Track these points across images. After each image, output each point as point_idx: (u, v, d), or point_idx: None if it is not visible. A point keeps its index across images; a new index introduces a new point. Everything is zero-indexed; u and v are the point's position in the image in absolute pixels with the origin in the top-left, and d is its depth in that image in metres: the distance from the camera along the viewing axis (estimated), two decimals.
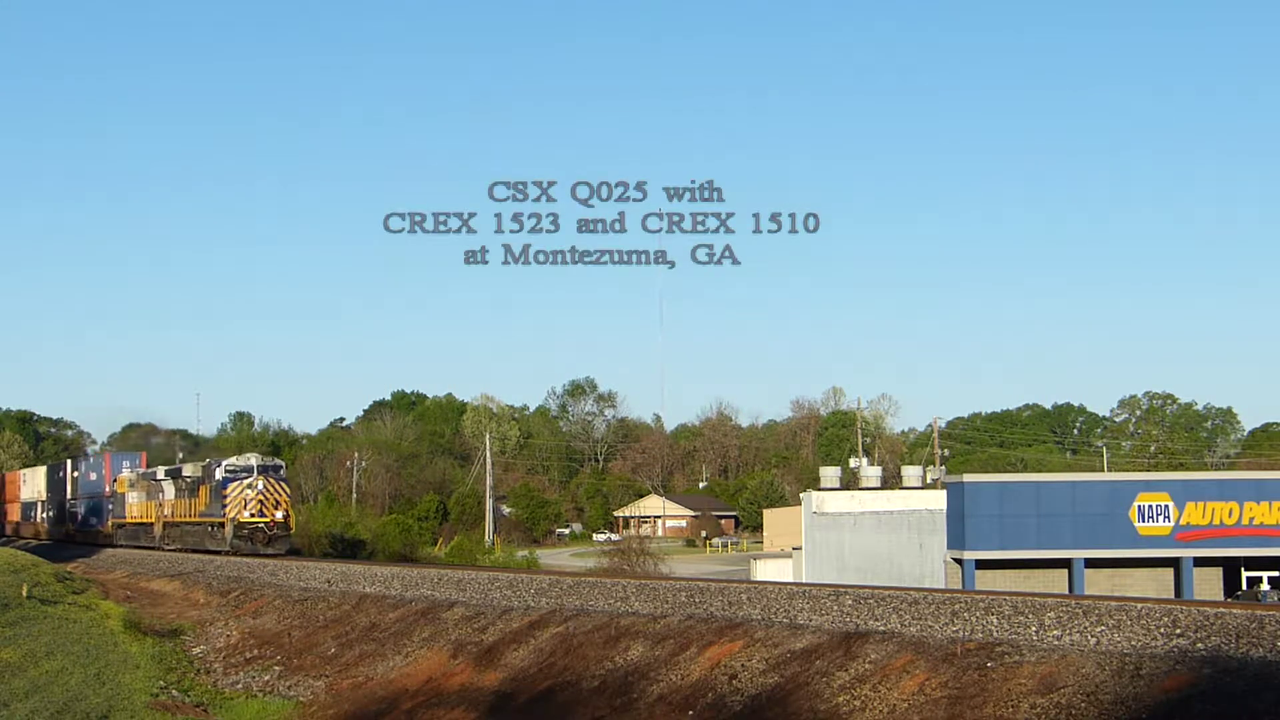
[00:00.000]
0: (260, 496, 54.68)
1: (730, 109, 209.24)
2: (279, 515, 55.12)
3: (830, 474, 65.71)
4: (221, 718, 31.20)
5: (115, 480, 73.69)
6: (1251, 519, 54.30)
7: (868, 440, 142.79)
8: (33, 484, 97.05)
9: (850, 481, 65.24)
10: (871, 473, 64.95)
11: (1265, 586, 54.10)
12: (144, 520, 67.59)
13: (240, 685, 34.73)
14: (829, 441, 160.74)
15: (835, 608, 24.71)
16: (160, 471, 66.22)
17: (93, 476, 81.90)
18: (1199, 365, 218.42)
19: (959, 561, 54.19)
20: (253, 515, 54.66)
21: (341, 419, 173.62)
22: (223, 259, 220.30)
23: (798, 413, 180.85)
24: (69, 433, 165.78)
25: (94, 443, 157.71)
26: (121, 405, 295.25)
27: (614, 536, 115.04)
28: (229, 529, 54.91)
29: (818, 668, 22.05)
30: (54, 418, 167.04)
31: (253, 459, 56.51)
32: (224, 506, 55.06)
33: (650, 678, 24.68)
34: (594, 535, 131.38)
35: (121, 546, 70.63)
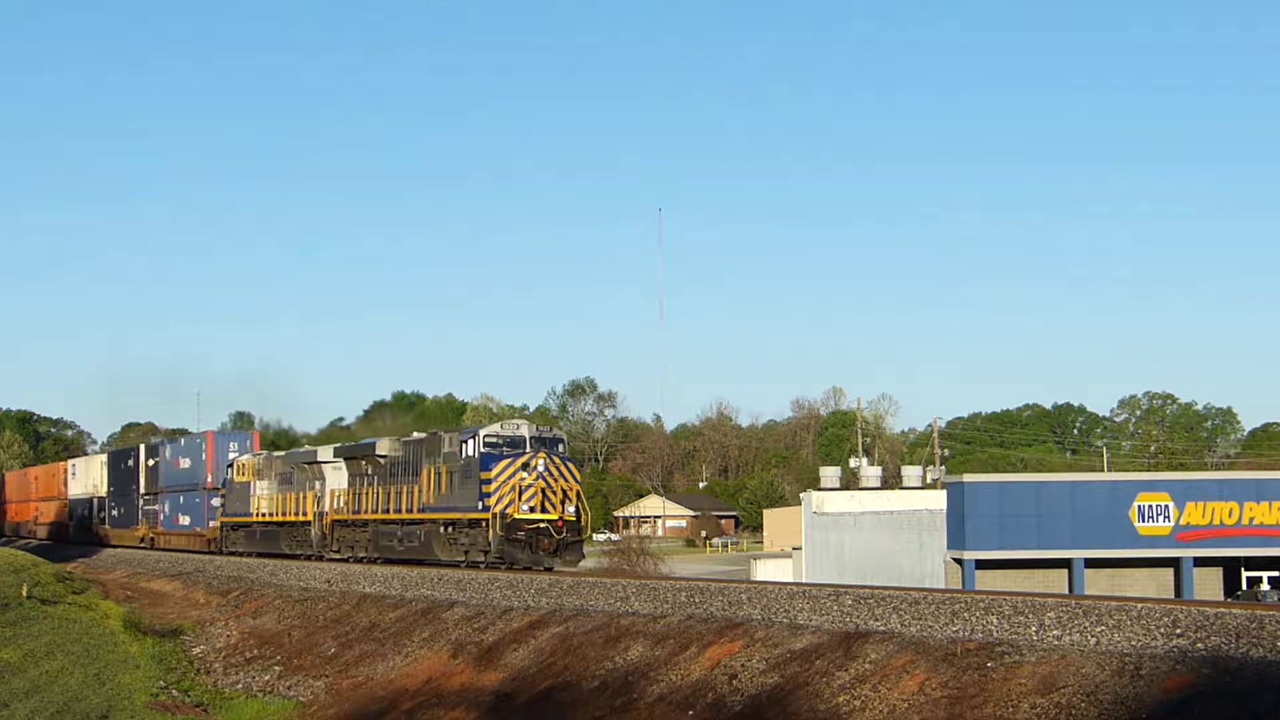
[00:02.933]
0: (543, 483, 38.08)
1: (731, 108, 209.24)
2: (569, 511, 38.44)
3: (830, 474, 65.75)
4: (221, 718, 31.21)
5: (230, 466, 56.88)
6: (1251, 519, 54.33)
7: (868, 440, 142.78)
8: (86, 477, 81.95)
9: (850, 481, 65.26)
10: (871, 473, 64.99)
11: (1265, 586, 54.12)
12: (284, 519, 51.51)
13: (240, 685, 34.73)
14: (829, 441, 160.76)
15: (835, 608, 24.71)
16: (325, 451, 49.66)
17: (183, 463, 65.60)
18: (1199, 365, 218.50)
19: (959, 561, 54.19)
20: (532, 509, 37.89)
21: (341, 419, 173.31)
22: (223, 259, 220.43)
23: (798, 413, 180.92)
24: (69, 433, 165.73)
25: (94, 443, 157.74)
26: (121, 405, 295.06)
27: (614, 536, 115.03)
28: (493, 529, 37.82)
29: (818, 668, 22.05)
30: (54, 418, 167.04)
31: (524, 427, 39.65)
32: (485, 496, 38.06)
33: (650, 678, 24.68)
34: (594, 535, 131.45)
35: (239, 554, 56.30)
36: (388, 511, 43.66)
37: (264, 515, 53.65)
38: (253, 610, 43.96)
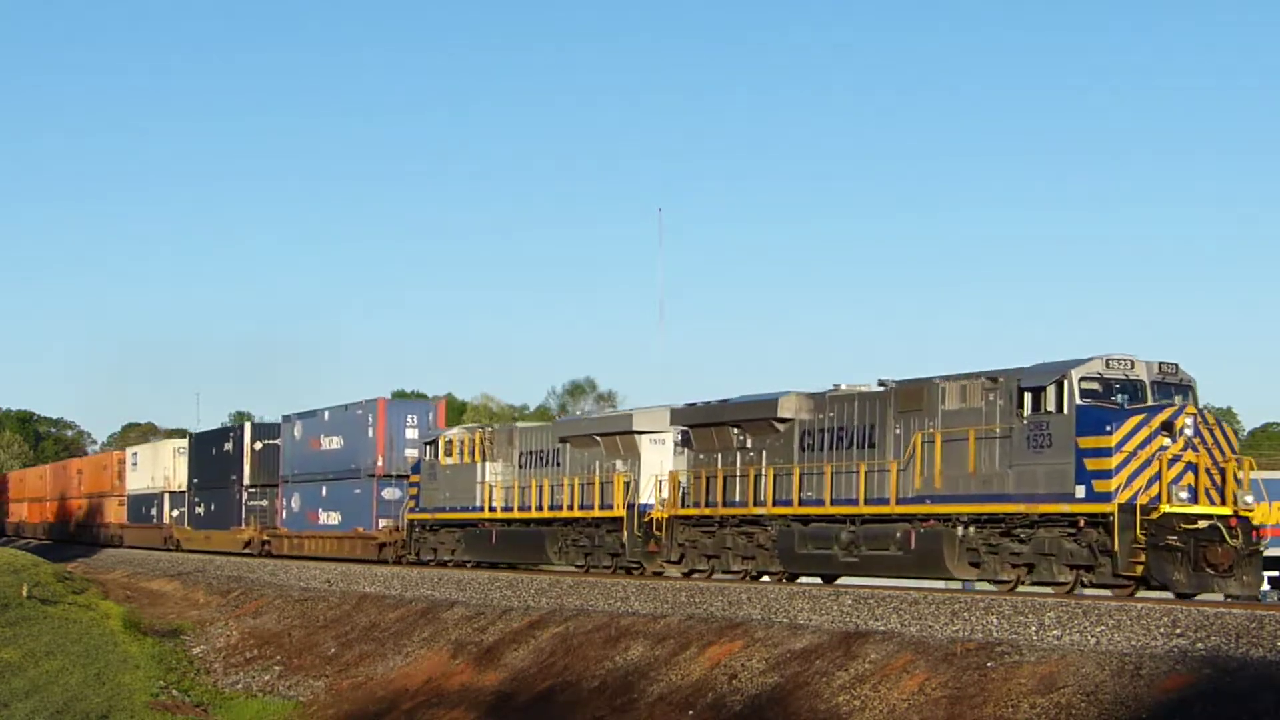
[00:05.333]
0: (1195, 455, 24.70)
1: (731, 109, 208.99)
2: (1246, 502, 24.74)
3: None
4: (221, 718, 31.24)
5: (430, 444, 42.76)
6: None
7: None
8: (153, 467, 68.09)
9: None
10: None
11: (1265, 586, 54.13)
12: (547, 515, 37.12)
13: (240, 685, 34.75)
14: None
15: (835, 608, 24.73)
16: (647, 417, 34.59)
17: (327, 443, 50.24)
18: (1199, 365, 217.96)
19: None
20: (1191, 499, 24.42)
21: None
22: (223, 259, 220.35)
23: None
24: (69, 433, 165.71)
25: (94, 442, 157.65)
26: (122, 405, 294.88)
27: None
28: (1120, 530, 23.86)
29: (818, 668, 22.06)
30: (54, 418, 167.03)
31: (1138, 365, 25.73)
32: (1098, 477, 24.24)
33: (650, 677, 24.70)
34: None
35: (446, 565, 41.18)
36: (816, 502, 29.37)
37: (503, 509, 38.83)
38: (253, 610, 43.95)
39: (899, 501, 27.60)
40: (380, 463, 46.52)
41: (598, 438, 35.71)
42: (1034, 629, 20.96)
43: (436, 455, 42.05)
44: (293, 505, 52.83)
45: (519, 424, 40.67)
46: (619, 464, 34.92)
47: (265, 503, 55.48)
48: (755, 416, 31.19)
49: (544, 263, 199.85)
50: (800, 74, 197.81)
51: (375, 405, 47.05)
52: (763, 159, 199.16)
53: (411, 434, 46.50)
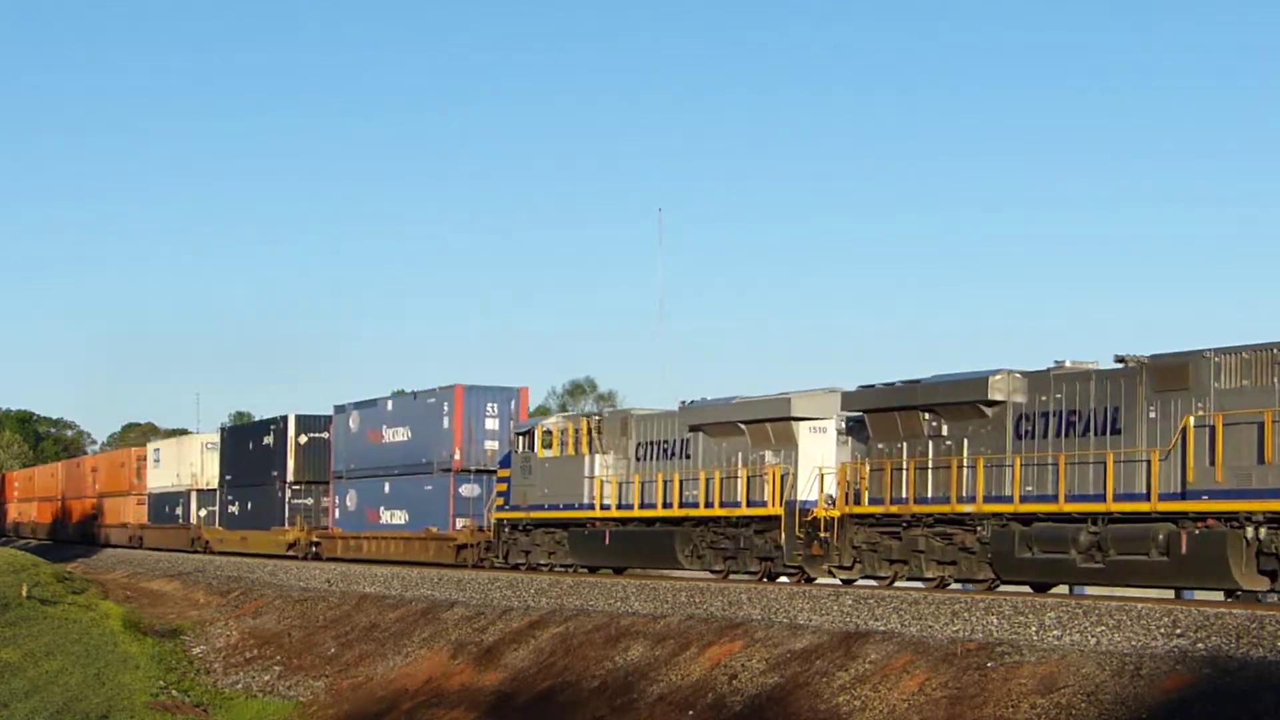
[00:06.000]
0: None
1: (731, 109, 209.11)
2: None
3: None
4: (221, 718, 31.24)
5: (524, 435, 38.03)
6: None
7: None
8: (178, 463, 64.00)
9: None
10: None
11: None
12: (677, 513, 32.51)
13: (240, 685, 34.76)
14: None
15: (835, 608, 24.74)
16: (809, 401, 30.11)
17: (392, 435, 46.03)
18: None
19: None
20: None
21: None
22: (223, 258, 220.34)
23: None
24: (69, 433, 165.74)
25: (94, 442, 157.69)
26: (122, 405, 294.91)
27: None
28: None
29: (818, 668, 22.06)
30: (54, 418, 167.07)
31: None
32: None
33: (650, 678, 24.70)
34: None
35: (542, 569, 36.99)
36: (1042, 498, 25.17)
37: (619, 507, 34.34)
38: (253, 610, 43.95)
39: (1162, 497, 23.29)
40: (457, 456, 42.38)
41: (742, 425, 31.13)
42: (1034, 629, 20.96)
43: (532, 447, 37.35)
44: (347, 503, 48.49)
45: (635, 411, 35.26)
46: (769, 455, 30.37)
47: (310, 501, 51.75)
48: (956, 399, 26.68)
49: (544, 263, 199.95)
50: (800, 74, 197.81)
51: (451, 393, 42.73)
52: (763, 159, 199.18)
53: (491, 424, 42.63)
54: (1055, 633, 20.61)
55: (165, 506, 66.06)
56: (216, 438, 62.62)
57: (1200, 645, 18.55)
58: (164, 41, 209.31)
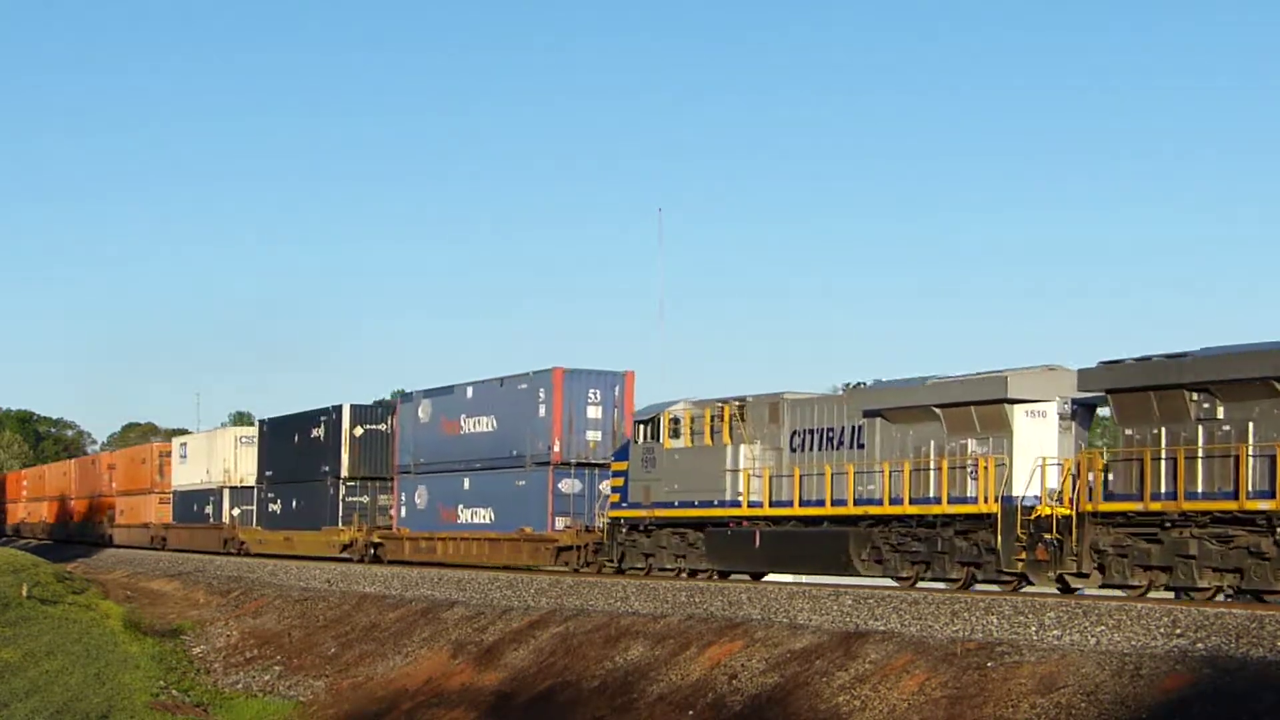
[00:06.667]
0: None
1: (731, 108, 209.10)
2: None
3: None
4: (221, 718, 31.26)
5: (646, 424, 33.68)
6: None
7: None
8: (209, 459, 60.39)
9: None
10: None
11: None
12: (854, 511, 28.38)
13: (240, 685, 34.77)
14: None
15: (835, 607, 24.75)
16: (1026, 380, 26.41)
17: (471, 425, 42.06)
18: None
19: None
20: None
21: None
22: (223, 258, 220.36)
23: None
24: (69, 433, 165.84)
25: (94, 442, 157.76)
26: (122, 405, 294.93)
27: None
28: None
29: (818, 668, 22.07)
30: (54, 418, 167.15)
31: None
32: None
33: (650, 677, 24.71)
34: None
35: (703, 573, 32.12)
36: None
37: (772, 504, 30.35)
38: (253, 610, 43.97)
39: None
40: (557, 448, 38.14)
41: (937, 409, 27.00)
42: (1034, 629, 20.97)
43: (656, 436, 33.21)
44: (416, 501, 44.51)
45: (788, 395, 30.95)
46: (973, 444, 26.49)
47: (366, 499, 48.20)
48: (1240, 375, 22.47)
49: (544, 263, 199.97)
50: (800, 74, 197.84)
51: (550, 377, 38.49)
52: (763, 159, 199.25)
53: (594, 412, 38.61)
54: (1055, 632, 20.62)
55: (193, 505, 62.38)
56: (252, 431, 58.73)
57: (1200, 645, 18.57)
58: (164, 41, 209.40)
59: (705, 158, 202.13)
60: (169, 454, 66.66)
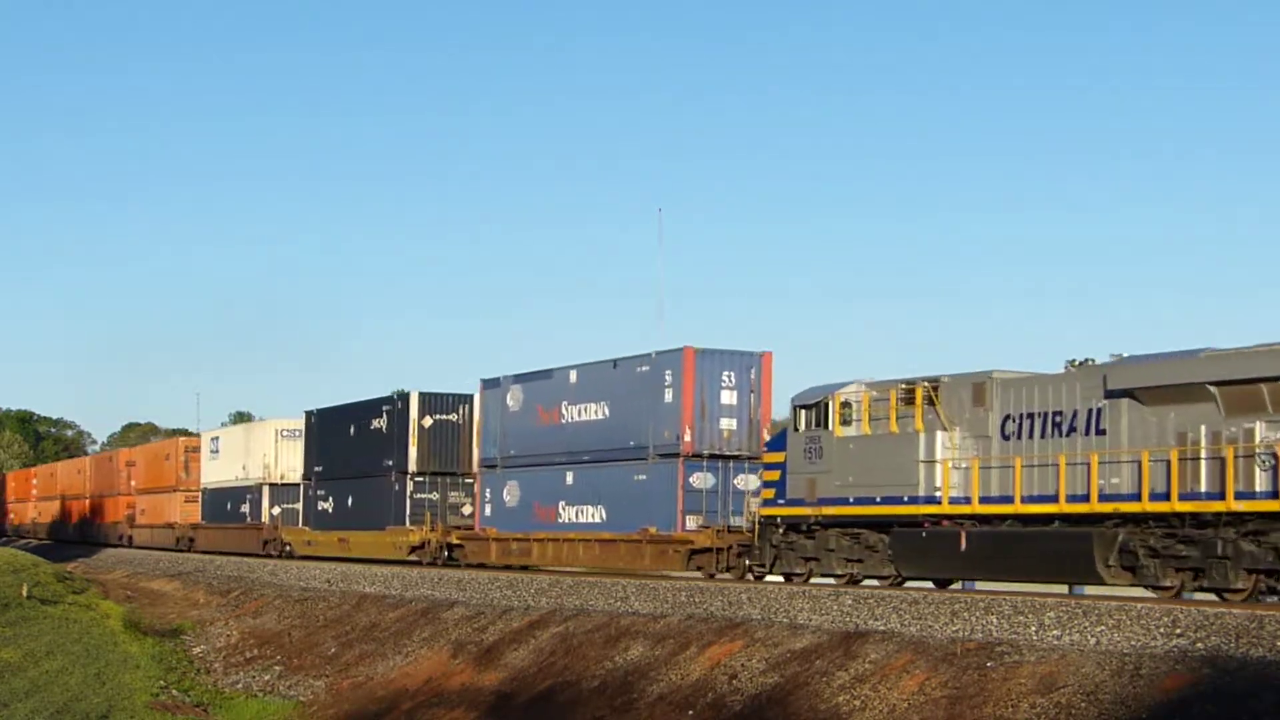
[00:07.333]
0: None
1: (731, 109, 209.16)
2: None
3: None
4: (221, 718, 31.27)
5: (811, 408, 29.59)
6: None
7: None
8: (246, 453, 56.62)
9: None
10: None
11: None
12: (1085, 509, 24.37)
13: (240, 685, 34.78)
14: None
15: (835, 607, 24.74)
16: None
17: (585, 413, 38.02)
18: None
19: None
20: None
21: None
22: (223, 257, 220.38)
23: None
24: (69, 433, 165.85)
25: (94, 442, 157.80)
26: (122, 405, 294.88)
27: None
28: None
29: (818, 667, 22.07)
30: (54, 418, 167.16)
31: None
32: None
33: (650, 677, 24.71)
34: None
35: (935, 581, 28.44)
36: None
37: (982, 500, 26.10)
38: (253, 610, 43.96)
39: None
40: (688, 437, 34.19)
41: (1211, 388, 23.01)
42: (1034, 629, 20.97)
43: (824, 423, 29.27)
44: (504, 498, 40.49)
45: (998, 374, 26.68)
46: (1263, 428, 22.33)
47: (435, 495, 44.53)
48: None
49: (544, 263, 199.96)
50: (800, 74, 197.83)
51: (679, 358, 34.62)
52: (763, 159, 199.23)
53: (728, 397, 34.78)
54: (1055, 632, 20.62)
55: (226, 504, 58.36)
56: (296, 424, 54.34)
57: (1200, 645, 18.56)
58: (164, 41, 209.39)
59: (705, 158, 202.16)
60: (196, 449, 63.40)
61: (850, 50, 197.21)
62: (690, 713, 22.70)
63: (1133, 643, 19.34)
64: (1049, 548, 24.62)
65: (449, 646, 31.43)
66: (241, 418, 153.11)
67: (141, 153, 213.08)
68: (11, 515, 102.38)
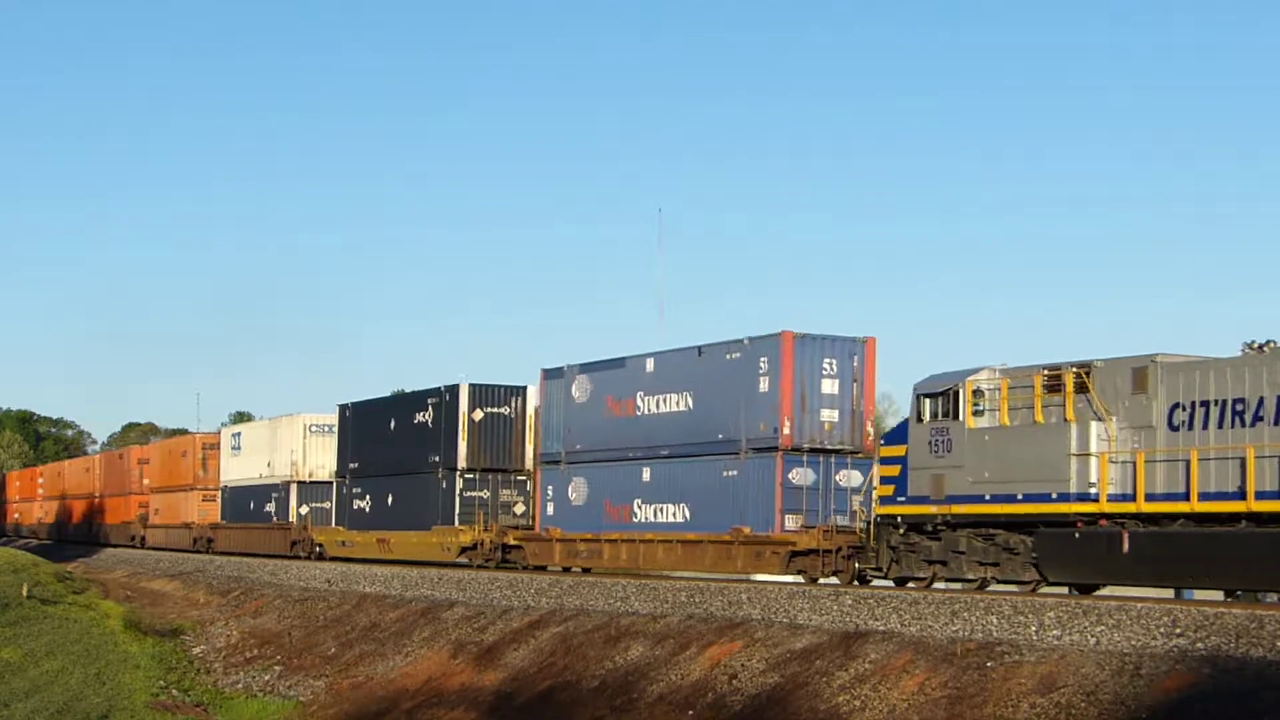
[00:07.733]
0: None
1: (731, 109, 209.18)
2: None
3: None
4: (221, 718, 31.27)
5: (941, 395, 26.96)
6: None
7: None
8: (272, 449, 53.85)
9: None
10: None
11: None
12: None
13: (240, 685, 34.77)
14: None
15: (835, 607, 24.73)
16: None
17: (663, 404, 35.18)
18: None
19: None
20: None
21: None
22: (223, 257, 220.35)
23: None
24: (69, 433, 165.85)
25: (94, 442, 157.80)
26: (122, 405, 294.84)
27: None
28: None
29: (818, 667, 22.07)
30: (54, 418, 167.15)
31: None
32: None
33: (650, 677, 24.70)
34: None
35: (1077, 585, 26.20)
36: None
37: (1148, 498, 23.42)
38: (253, 610, 43.95)
39: None
40: (786, 430, 31.43)
41: None
42: (1034, 629, 20.97)
43: (953, 413, 26.64)
44: (570, 496, 37.73)
45: (1162, 358, 23.96)
46: None
47: (485, 493, 41.89)
48: None
49: (544, 262, 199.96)
50: (800, 74, 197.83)
51: (776, 344, 31.96)
52: (763, 159, 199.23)
53: (829, 387, 32.13)
54: (1055, 632, 20.61)
55: (249, 503, 55.48)
56: (328, 419, 51.52)
57: (1200, 645, 18.56)
58: (164, 41, 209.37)
59: (705, 158, 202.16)
60: (215, 446, 60.45)
61: (851, 50, 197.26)
62: (690, 713, 22.70)
63: (1133, 642, 19.34)
64: (1238, 551, 22.02)
65: (449, 646, 31.42)
66: (242, 417, 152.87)
67: (141, 152, 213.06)
68: (16, 515, 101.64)
